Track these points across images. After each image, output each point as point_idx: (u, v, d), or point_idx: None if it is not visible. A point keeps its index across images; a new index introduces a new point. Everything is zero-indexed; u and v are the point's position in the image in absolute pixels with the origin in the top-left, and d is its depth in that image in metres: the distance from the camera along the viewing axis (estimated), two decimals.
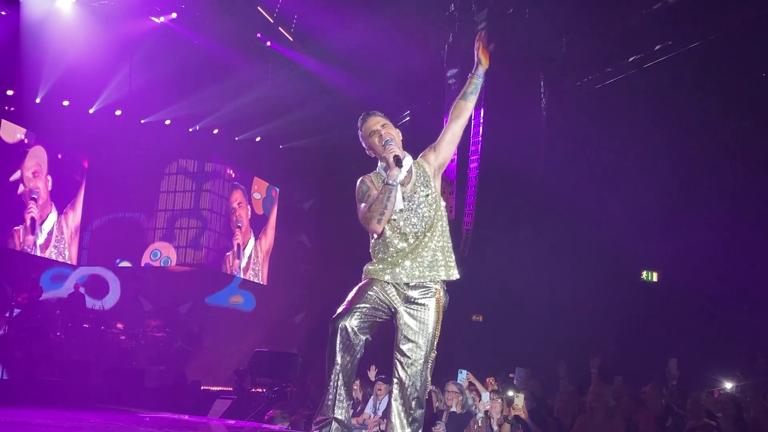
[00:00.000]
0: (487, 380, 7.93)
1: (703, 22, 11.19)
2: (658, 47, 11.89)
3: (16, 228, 14.32)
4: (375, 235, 4.16)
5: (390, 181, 3.99)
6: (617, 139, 12.26)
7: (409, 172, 4.15)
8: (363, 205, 4.14)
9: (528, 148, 13.50)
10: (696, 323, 11.08)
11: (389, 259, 4.09)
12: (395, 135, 4.17)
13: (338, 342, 3.91)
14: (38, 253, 14.73)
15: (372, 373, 8.78)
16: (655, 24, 11.65)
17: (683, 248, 11.58)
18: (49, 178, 15.07)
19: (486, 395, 6.85)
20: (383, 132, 4.15)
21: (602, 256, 12.23)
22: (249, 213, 18.29)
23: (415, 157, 4.25)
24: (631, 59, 12.44)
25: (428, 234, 4.09)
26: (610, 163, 12.36)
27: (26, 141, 14.83)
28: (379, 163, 4.23)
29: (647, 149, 11.95)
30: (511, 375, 8.57)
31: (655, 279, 12.75)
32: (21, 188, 14.50)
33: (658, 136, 12.05)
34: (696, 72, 11.28)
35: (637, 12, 11.86)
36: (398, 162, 3.99)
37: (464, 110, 4.21)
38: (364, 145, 4.28)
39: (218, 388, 14.03)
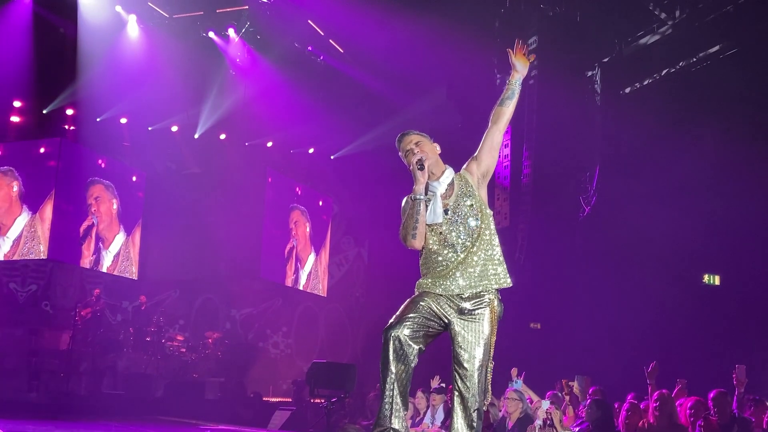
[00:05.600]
0: (563, 382, 7.89)
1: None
2: (723, 44, 11.66)
3: (82, 248, 14.60)
4: (423, 250, 4.19)
5: (416, 197, 4.09)
6: (676, 139, 12.02)
7: (451, 184, 4.19)
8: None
9: (583, 150, 13.36)
10: (760, 327, 10.80)
11: (439, 272, 4.10)
12: (429, 151, 4.21)
13: (391, 351, 3.93)
14: (104, 270, 15.03)
15: (435, 382, 8.76)
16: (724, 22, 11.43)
17: (745, 251, 11.31)
18: (115, 200, 15.35)
19: (546, 403, 6.76)
20: (416, 150, 4.20)
21: (663, 260, 12.00)
22: (308, 229, 18.36)
23: (458, 170, 4.29)
24: (693, 58, 12.19)
25: (476, 244, 4.09)
26: (670, 164, 12.13)
27: (103, 166, 15.14)
28: None
29: (709, 149, 11.70)
30: (571, 383, 8.46)
31: (717, 283, 12.46)
32: (88, 210, 14.80)
33: (720, 135, 11.78)
34: (759, 70, 11.00)
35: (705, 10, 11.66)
36: (420, 165, 4.09)
37: (501, 115, 4.28)
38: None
39: (277, 399, 14.14)
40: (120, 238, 15.39)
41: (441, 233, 4.11)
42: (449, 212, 4.11)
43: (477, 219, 4.11)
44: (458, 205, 4.13)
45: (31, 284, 14.32)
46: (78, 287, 14.57)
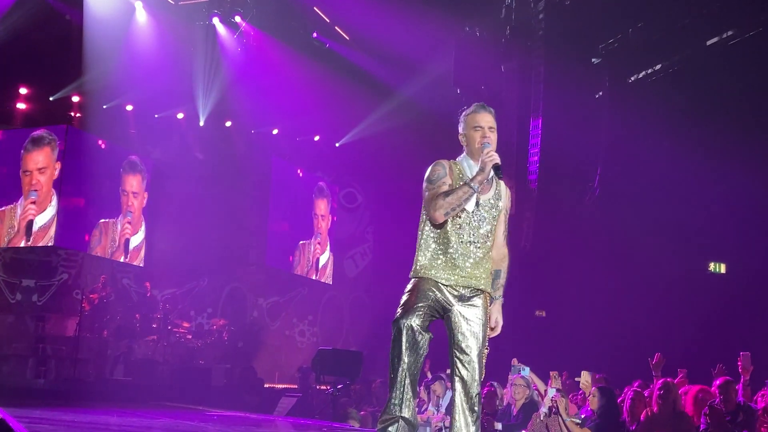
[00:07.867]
0: (552, 374, 7.89)
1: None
2: (730, 32, 11.60)
3: (99, 237, 14.63)
4: (434, 226, 4.10)
5: (473, 185, 3.98)
6: (683, 126, 11.98)
7: (490, 183, 4.14)
8: (432, 187, 4.07)
9: (589, 139, 13.33)
10: (766, 315, 10.80)
11: (448, 258, 4.09)
12: (494, 143, 4.12)
13: (404, 341, 3.94)
14: (121, 260, 15.07)
15: (427, 372, 8.81)
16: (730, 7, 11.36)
17: (751, 239, 11.29)
18: (146, 194, 15.43)
19: (552, 391, 6.78)
20: (489, 134, 4.11)
21: (668, 248, 11.99)
22: (317, 215, 18.39)
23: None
24: (701, 46, 12.12)
25: (488, 244, 4.14)
26: (674, 152, 12.10)
27: (138, 162, 15.16)
28: (464, 155, 4.20)
29: (716, 136, 11.65)
30: (577, 379, 8.49)
31: (723, 271, 12.45)
32: (120, 199, 14.91)
33: (724, 123, 11.75)
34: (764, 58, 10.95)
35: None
36: (497, 170, 4.01)
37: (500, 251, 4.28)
38: (460, 129, 4.23)
39: (283, 386, 14.21)
40: (142, 232, 15.46)
41: (459, 221, 4.07)
42: (479, 207, 4.09)
43: (493, 224, 4.16)
44: (488, 204, 4.13)
45: (63, 273, 14.40)
46: (108, 276, 14.57)
